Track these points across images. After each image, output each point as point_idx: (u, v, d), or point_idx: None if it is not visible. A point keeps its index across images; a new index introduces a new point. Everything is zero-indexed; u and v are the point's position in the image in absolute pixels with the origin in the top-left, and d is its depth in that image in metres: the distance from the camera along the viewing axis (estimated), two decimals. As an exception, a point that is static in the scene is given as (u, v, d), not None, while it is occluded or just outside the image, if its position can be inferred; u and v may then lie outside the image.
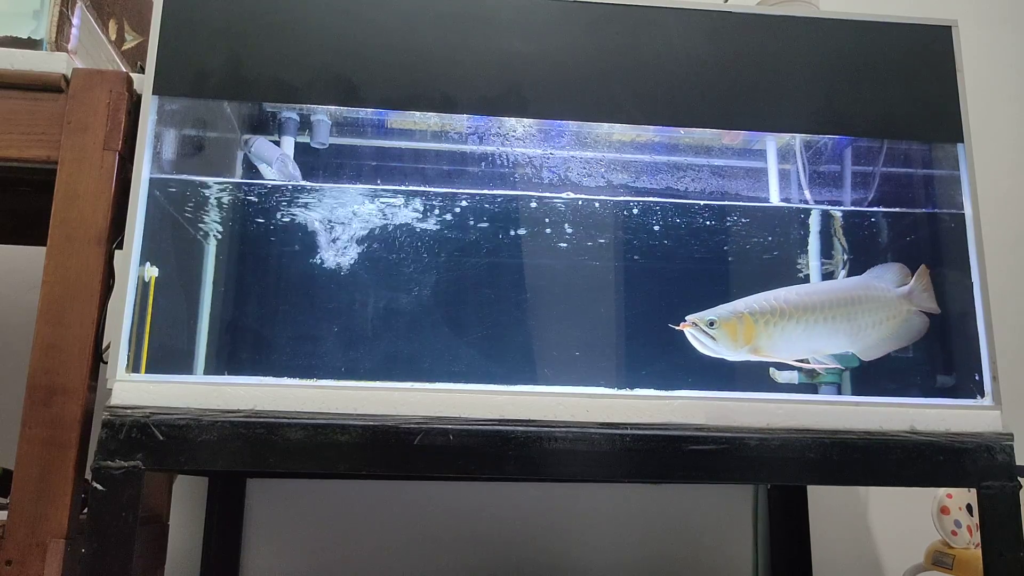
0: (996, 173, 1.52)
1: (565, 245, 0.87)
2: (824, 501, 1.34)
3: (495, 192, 0.88)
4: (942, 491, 1.09)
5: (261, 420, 0.77)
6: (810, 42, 0.93)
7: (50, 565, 0.72)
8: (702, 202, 0.91)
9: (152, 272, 0.81)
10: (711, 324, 0.83)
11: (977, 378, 0.87)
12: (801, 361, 0.85)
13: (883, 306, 0.87)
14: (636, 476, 0.82)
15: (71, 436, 0.75)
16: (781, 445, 0.81)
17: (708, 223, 0.90)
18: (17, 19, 0.83)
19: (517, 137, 0.90)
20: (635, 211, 0.89)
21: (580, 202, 0.89)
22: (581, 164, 0.90)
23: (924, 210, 0.92)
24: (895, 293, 0.87)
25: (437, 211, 0.87)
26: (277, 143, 0.88)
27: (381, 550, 1.24)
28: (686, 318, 0.84)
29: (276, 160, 0.87)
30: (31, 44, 0.83)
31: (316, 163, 0.88)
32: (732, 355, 0.84)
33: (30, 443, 0.74)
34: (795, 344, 0.85)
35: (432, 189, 0.87)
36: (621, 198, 0.89)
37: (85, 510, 0.75)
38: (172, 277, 0.82)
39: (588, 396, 0.82)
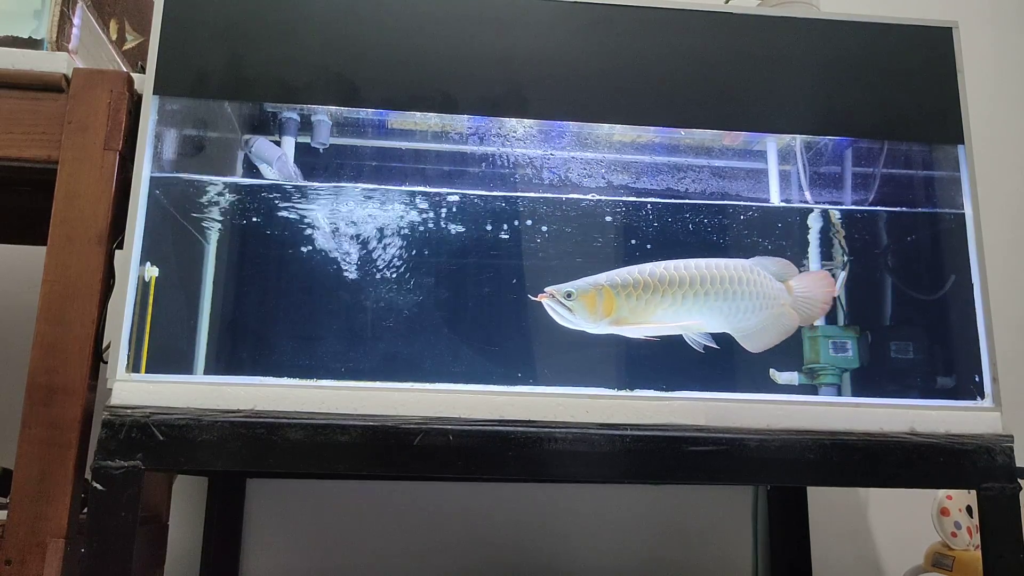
0: (996, 174, 1.52)
1: (566, 245, 0.87)
2: (824, 502, 1.34)
3: (496, 193, 0.88)
4: (942, 493, 1.09)
5: (261, 420, 0.77)
6: (811, 43, 0.94)
7: (50, 565, 0.72)
8: (702, 203, 0.90)
9: (152, 272, 0.81)
10: (568, 295, 0.82)
11: (977, 380, 0.87)
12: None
13: (763, 294, 0.86)
14: (636, 477, 0.82)
15: (71, 436, 0.75)
16: (781, 446, 0.81)
17: (709, 223, 0.90)
18: (18, 19, 0.83)
19: (518, 137, 0.90)
20: (635, 212, 0.89)
21: (580, 202, 0.89)
22: (581, 165, 0.90)
23: (924, 210, 0.92)
24: (776, 285, 0.86)
25: (437, 211, 0.86)
26: (277, 143, 0.88)
27: (381, 550, 1.24)
28: (545, 289, 0.83)
29: (276, 160, 0.87)
30: (32, 44, 0.83)
31: (316, 163, 0.88)
32: (592, 327, 0.83)
33: (30, 443, 0.74)
34: (662, 318, 0.84)
35: (432, 189, 0.87)
36: (621, 199, 0.89)
37: (85, 510, 0.75)
38: (172, 277, 0.82)
39: (588, 397, 0.82)
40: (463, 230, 0.86)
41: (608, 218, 0.88)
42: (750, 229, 0.90)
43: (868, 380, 0.87)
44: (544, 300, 0.83)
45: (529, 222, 0.87)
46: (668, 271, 0.85)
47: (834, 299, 0.87)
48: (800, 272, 0.88)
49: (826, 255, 0.91)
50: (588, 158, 0.90)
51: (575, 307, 0.82)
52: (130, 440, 0.75)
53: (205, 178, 0.85)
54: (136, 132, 0.82)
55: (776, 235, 0.91)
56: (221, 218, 0.85)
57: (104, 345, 0.80)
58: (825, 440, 0.82)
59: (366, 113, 0.90)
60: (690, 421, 0.81)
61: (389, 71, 0.87)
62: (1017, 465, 0.83)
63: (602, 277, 0.84)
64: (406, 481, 1.26)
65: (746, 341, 0.85)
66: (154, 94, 0.83)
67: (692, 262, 0.86)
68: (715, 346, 0.84)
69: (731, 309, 0.85)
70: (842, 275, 0.90)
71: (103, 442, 0.75)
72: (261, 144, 0.88)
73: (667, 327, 0.84)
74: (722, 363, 0.86)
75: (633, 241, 0.88)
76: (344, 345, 0.82)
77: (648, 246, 0.88)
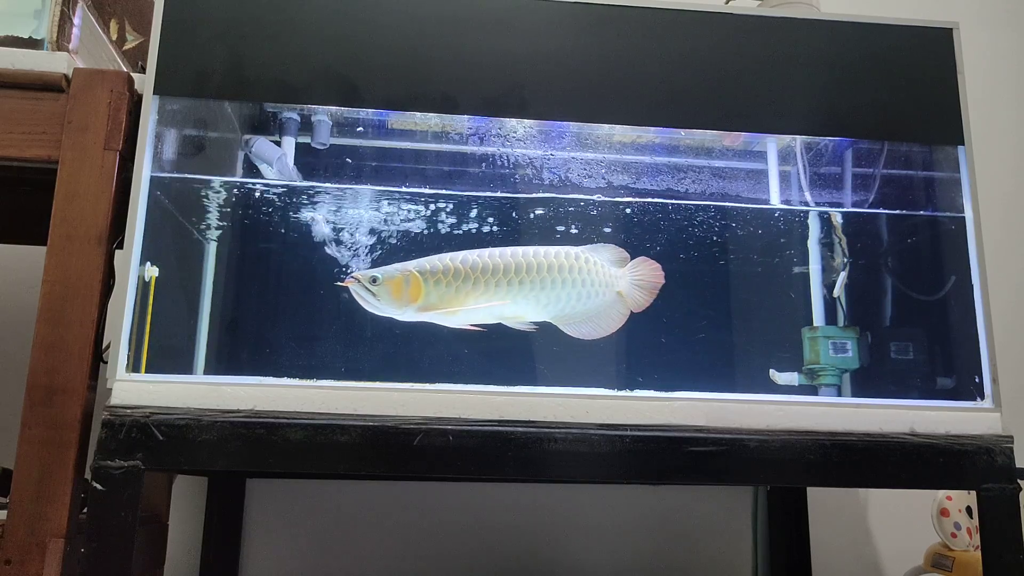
0: (997, 175, 1.52)
1: (566, 245, 0.87)
2: (824, 503, 1.34)
3: (496, 193, 0.88)
4: (942, 493, 1.09)
5: (261, 420, 0.77)
6: (811, 44, 0.93)
7: (49, 565, 0.72)
8: (703, 203, 0.90)
9: (152, 272, 0.81)
10: (373, 281, 0.81)
11: (977, 380, 0.87)
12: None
13: (592, 282, 0.84)
14: (636, 477, 0.82)
15: (71, 436, 0.75)
16: (781, 447, 0.81)
17: (710, 224, 0.90)
18: (18, 19, 0.83)
19: (518, 138, 0.90)
20: (635, 212, 0.89)
21: (580, 202, 0.89)
22: (582, 165, 0.90)
23: (924, 212, 0.92)
24: (609, 272, 0.85)
25: (437, 211, 0.86)
26: (278, 143, 0.88)
27: (380, 550, 1.24)
28: (351, 274, 0.82)
29: (276, 160, 0.87)
30: (32, 44, 0.83)
31: (316, 163, 0.88)
32: (398, 314, 0.82)
33: (30, 443, 0.74)
34: (475, 306, 0.82)
35: (432, 190, 0.87)
36: (621, 199, 0.89)
37: (85, 510, 0.75)
38: (172, 277, 0.82)
39: (588, 397, 0.82)
40: (462, 229, 0.86)
41: (608, 218, 0.88)
42: (751, 229, 0.90)
43: (868, 381, 0.87)
44: (350, 285, 0.81)
45: (530, 221, 0.87)
46: (481, 258, 0.83)
47: (662, 287, 0.85)
48: (636, 259, 0.86)
49: (826, 256, 0.91)
50: (588, 158, 0.90)
51: (380, 292, 0.81)
52: (130, 440, 0.75)
53: (205, 178, 0.85)
54: (136, 132, 0.82)
55: (776, 235, 0.91)
56: (221, 218, 0.85)
57: (104, 345, 0.80)
58: (825, 440, 0.82)
59: (366, 113, 0.90)
60: (690, 421, 0.81)
61: (389, 71, 0.87)
62: (1017, 466, 0.83)
63: (412, 263, 0.83)
64: (406, 481, 1.26)
65: (571, 329, 0.83)
66: (154, 94, 0.83)
67: (510, 250, 0.84)
68: (533, 329, 0.82)
69: (549, 298, 0.83)
70: (842, 275, 0.90)
71: (103, 442, 0.75)
72: (261, 144, 0.88)
73: (479, 316, 0.83)
74: (722, 363, 0.86)
75: (631, 242, 0.88)
76: (344, 345, 0.82)
77: (649, 243, 0.88)
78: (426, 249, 0.85)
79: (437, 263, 0.83)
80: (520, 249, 0.85)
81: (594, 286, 0.84)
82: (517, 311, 0.83)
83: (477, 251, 0.84)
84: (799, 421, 0.83)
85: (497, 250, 0.84)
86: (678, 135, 0.93)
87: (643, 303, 0.85)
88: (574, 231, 0.87)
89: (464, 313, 0.82)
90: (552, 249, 0.85)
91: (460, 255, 0.84)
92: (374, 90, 0.87)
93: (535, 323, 0.83)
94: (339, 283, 0.82)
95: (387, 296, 0.81)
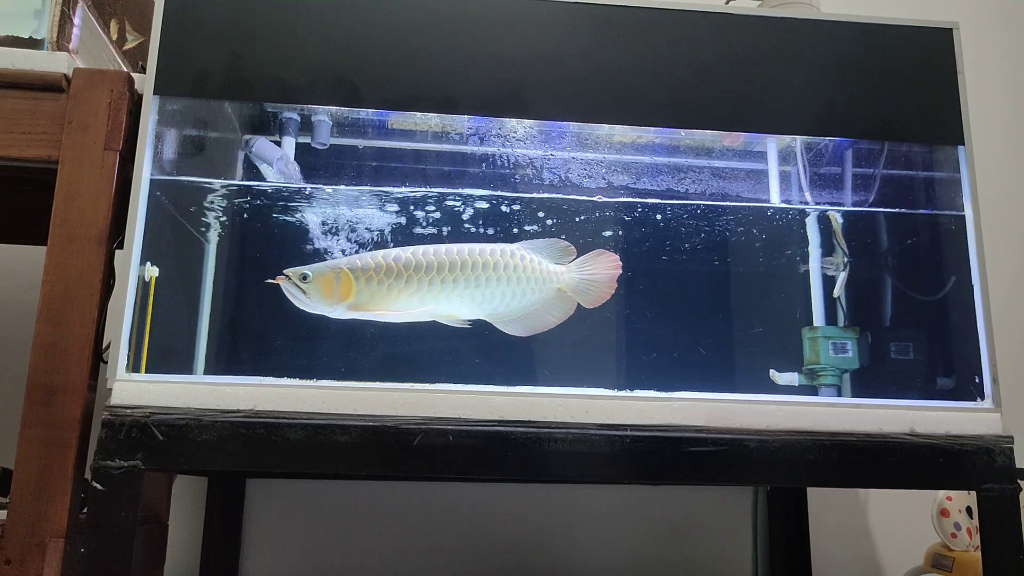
0: (997, 175, 1.52)
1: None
2: (824, 503, 1.34)
3: (496, 193, 0.88)
4: (942, 493, 1.09)
5: (261, 420, 0.77)
6: (811, 44, 0.93)
7: (49, 564, 0.72)
8: (704, 203, 0.90)
9: (152, 272, 0.81)
10: (304, 278, 0.80)
11: (977, 380, 0.87)
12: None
13: (528, 279, 0.83)
14: (636, 477, 0.82)
15: (71, 436, 0.75)
16: (781, 447, 0.81)
17: (709, 224, 0.90)
18: (18, 19, 0.83)
19: (518, 138, 0.90)
20: (635, 212, 0.89)
21: (580, 203, 0.89)
22: (581, 165, 0.90)
23: (924, 212, 0.92)
24: (548, 268, 0.84)
25: (437, 211, 0.86)
26: (278, 143, 0.88)
27: (380, 550, 1.24)
28: (283, 271, 0.81)
29: (277, 160, 0.87)
30: (32, 44, 0.83)
31: (317, 163, 0.88)
32: (329, 312, 0.81)
33: (30, 443, 0.74)
34: (407, 304, 0.82)
35: (432, 190, 0.87)
36: (621, 199, 0.89)
37: (85, 510, 0.75)
38: (172, 277, 0.82)
39: (588, 397, 0.82)
40: (463, 229, 0.86)
41: (608, 219, 0.88)
42: (752, 229, 0.90)
43: (868, 381, 0.87)
44: (281, 283, 0.81)
45: (530, 222, 0.87)
46: (414, 256, 0.82)
47: (618, 280, 0.84)
48: (588, 253, 0.85)
49: (826, 256, 0.91)
50: (588, 159, 0.90)
51: (310, 290, 0.80)
52: (130, 440, 0.75)
53: (205, 179, 0.85)
54: (136, 132, 0.82)
55: (776, 235, 0.91)
56: (221, 218, 0.85)
57: (104, 345, 0.80)
58: (825, 441, 0.82)
59: (366, 113, 0.90)
60: (690, 421, 0.81)
61: (389, 71, 0.87)
62: (1017, 466, 0.83)
63: (343, 260, 0.82)
64: (406, 481, 1.26)
65: (507, 327, 0.83)
66: (154, 94, 0.83)
67: (444, 247, 0.84)
68: (467, 326, 0.81)
69: (484, 296, 0.82)
70: (842, 275, 0.90)
71: (103, 442, 0.75)
72: (261, 144, 0.88)
73: (411, 314, 0.82)
74: (722, 364, 0.86)
75: (630, 241, 0.88)
76: (344, 345, 0.82)
77: (648, 243, 0.88)
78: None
79: (369, 260, 0.82)
80: (455, 246, 0.84)
81: (530, 283, 0.83)
82: (451, 309, 0.82)
83: (411, 248, 0.83)
84: (799, 421, 0.83)
85: (431, 247, 0.84)
86: (678, 135, 0.93)
87: (596, 298, 0.84)
88: (575, 232, 0.87)
89: (396, 311, 0.82)
90: (488, 246, 0.85)
91: (392, 252, 0.83)
92: (374, 90, 0.87)
93: (470, 321, 0.83)
94: (271, 280, 0.81)
95: (318, 294, 0.81)
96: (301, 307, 0.81)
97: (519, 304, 0.82)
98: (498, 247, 0.85)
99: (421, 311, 0.82)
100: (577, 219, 0.88)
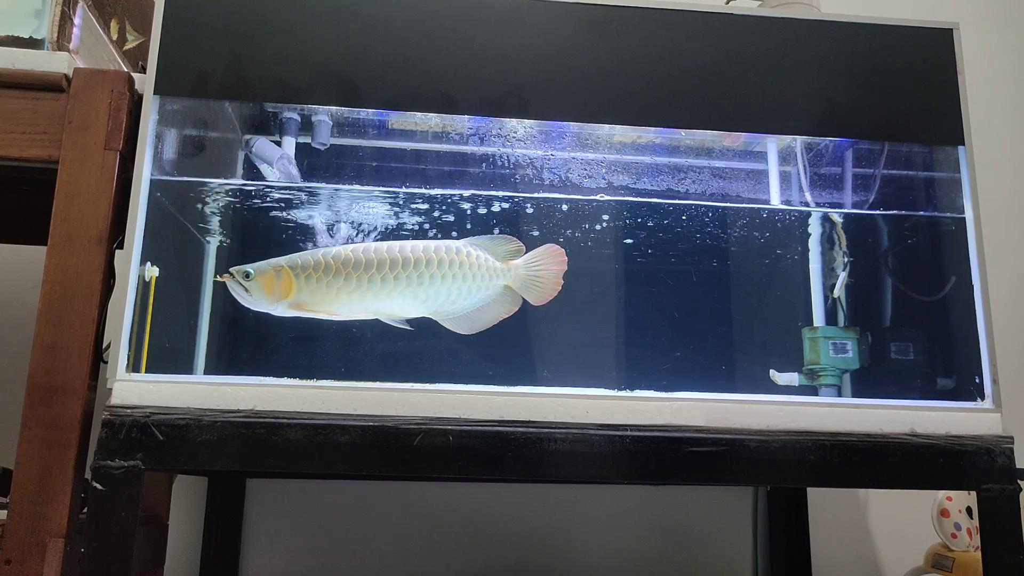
0: (997, 175, 1.52)
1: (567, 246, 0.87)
2: (824, 503, 1.34)
3: (496, 193, 0.88)
4: (942, 494, 1.09)
5: (261, 420, 0.77)
6: (811, 44, 0.93)
7: (49, 564, 0.72)
8: (703, 203, 0.90)
9: (152, 272, 0.81)
10: (247, 276, 0.81)
11: (977, 381, 0.87)
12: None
13: (471, 276, 0.83)
14: (636, 478, 0.82)
15: (71, 436, 0.75)
16: (781, 447, 0.81)
17: (710, 224, 0.90)
18: (18, 18, 0.83)
19: (518, 138, 0.90)
20: (635, 212, 0.89)
21: (580, 203, 0.88)
22: (581, 165, 0.90)
23: (924, 212, 0.92)
24: (494, 265, 0.83)
25: (437, 211, 0.86)
26: (278, 143, 0.88)
27: (380, 550, 1.24)
28: (229, 269, 0.82)
29: (277, 160, 0.87)
30: (32, 44, 0.83)
31: (317, 163, 0.88)
32: (271, 309, 0.81)
33: (30, 443, 0.74)
34: (348, 302, 0.81)
35: (432, 191, 0.87)
36: (620, 198, 0.89)
37: (85, 510, 0.75)
38: (172, 277, 0.82)
39: (588, 397, 0.82)
40: (463, 229, 0.86)
41: (608, 219, 0.88)
42: (752, 230, 0.90)
43: (868, 381, 0.87)
44: (226, 280, 0.81)
45: (530, 222, 0.87)
46: (355, 254, 0.82)
47: (563, 276, 0.83)
48: (536, 249, 0.84)
49: (826, 256, 0.91)
50: (588, 159, 0.90)
51: (252, 288, 0.80)
52: (130, 440, 0.75)
53: (205, 179, 0.85)
54: (136, 132, 0.82)
55: (776, 235, 0.91)
56: (221, 218, 0.85)
57: (104, 345, 0.80)
58: (825, 441, 0.82)
59: (367, 113, 0.90)
60: (690, 422, 0.81)
61: (389, 71, 0.87)
62: (1017, 466, 0.83)
63: (284, 258, 0.82)
64: (406, 481, 1.26)
65: (452, 325, 0.82)
66: (154, 94, 0.83)
67: (385, 244, 0.83)
68: (407, 327, 0.81)
69: (428, 294, 0.82)
70: (842, 275, 0.90)
71: (103, 442, 0.75)
72: (262, 144, 0.88)
73: (353, 313, 0.82)
74: (722, 364, 0.86)
75: (630, 241, 0.88)
76: (344, 345, 0.82)
77: (648, 243, 0.88)
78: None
79: (309, 258, 0.82)
80: (397, 244, 0.84)
81: (475, 280, 0.83)
82: (393, 307, 0.82)
83: (352, 246, 0.83)
84: (799, 421, 0.83)
85: (372, 244, 0.83)
86: (678, 135, 0.93)
87: (542, 295, 0.83)
88: (572, 231, 0.87)
89: (337, 310, 0.82)
90: (432, 243, 0.84)
91: (333, 250, 0.83)
92: (374, 90, 0.87)
93: (412, 320, 0.83)
94: (217, 278, 0.81)
95: (259, 291, 0.81)
96: (244, 304, 0.82)
97: (465, 302, 0.82)
98: (443, 243, 0.84)
99: (362, 308, 0.82)
100: (577, 219, 0.88)
